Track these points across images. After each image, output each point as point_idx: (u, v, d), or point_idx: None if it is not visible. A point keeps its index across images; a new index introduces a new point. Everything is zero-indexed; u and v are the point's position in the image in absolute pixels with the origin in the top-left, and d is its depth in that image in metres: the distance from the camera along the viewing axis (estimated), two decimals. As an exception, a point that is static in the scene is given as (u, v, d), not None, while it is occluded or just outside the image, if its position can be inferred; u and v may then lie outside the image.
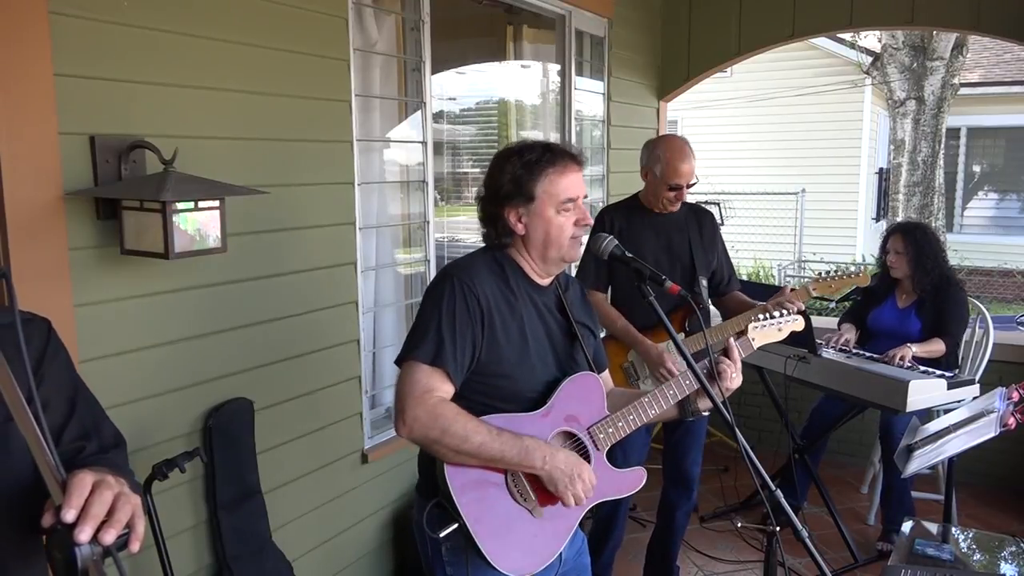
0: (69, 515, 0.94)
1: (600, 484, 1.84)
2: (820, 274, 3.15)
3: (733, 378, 1.89)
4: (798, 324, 2.16)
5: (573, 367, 1.89)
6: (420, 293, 3.39)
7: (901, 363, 3.55)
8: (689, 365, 1.82)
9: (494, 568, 1.72)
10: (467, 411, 1.72)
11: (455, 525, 1.71)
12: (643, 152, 3.08)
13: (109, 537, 0.96)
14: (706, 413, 1.95)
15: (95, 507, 0.96)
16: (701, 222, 3.15)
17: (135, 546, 1.00)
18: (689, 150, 2.97)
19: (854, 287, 3.35)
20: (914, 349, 3.63)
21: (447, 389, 1.72)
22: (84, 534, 0.94)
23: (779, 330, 2.12)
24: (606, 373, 2.07)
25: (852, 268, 3.38)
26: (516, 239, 1.83)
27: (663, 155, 2.96)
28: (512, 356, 1.78)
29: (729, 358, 1.90)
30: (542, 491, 1.77)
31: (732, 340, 1.94)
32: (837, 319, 4.51)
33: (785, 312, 2.16)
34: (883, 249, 3.97)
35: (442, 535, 1.71)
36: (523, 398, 1.80)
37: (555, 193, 1.79)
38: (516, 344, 1.79)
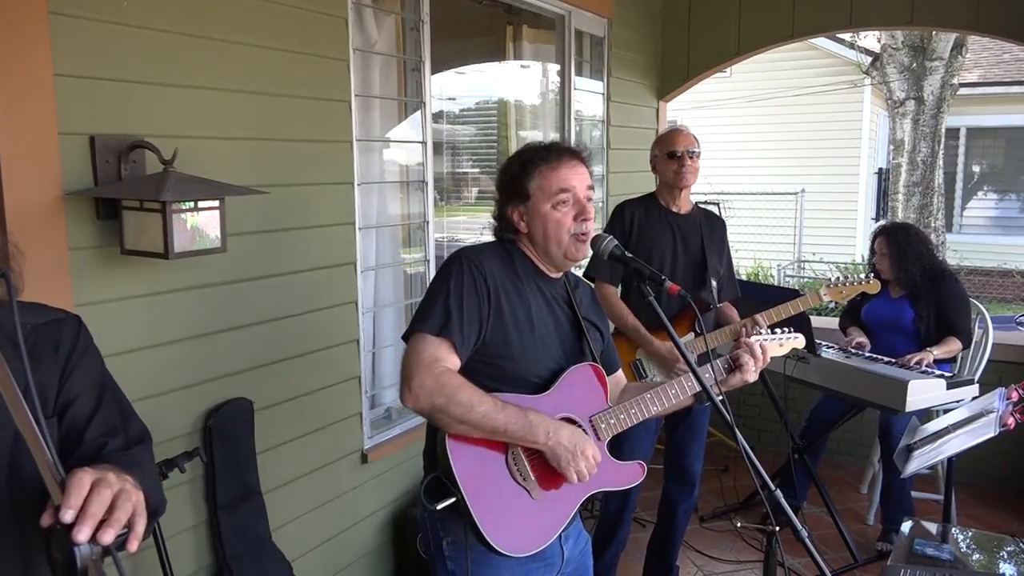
0: (67, 515, 0.94)
1: (601, 475, 1.84)
2: (832, 280, 3.23)
3: (753, 371, 1.92)
4: (799, 342, 2.19)
5: (579, 359, 1.90)
6: (420, 293, 3.39)
7: (918, 366, 3.56)
8: (689, 366, 1.82)
9: (493, 554, 1.72)
10: None
11: (453, 499, 1.70)
12: (649, 151, 3.22)
13: (108, 537, 0.95)
14: (721, 397, 1.94)
15: (93, 506, 0.96)
16: (712, 227, 3.22)
17: (133, 546, 1.00)
18: (684, 129, 3.18)
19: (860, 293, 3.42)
20: (935, 353, 3.65)
21: (453, 361, 1.73)
22: (83, 534, 0.94)
23: (780, 345, 2.16)
24: (619, 373, 2.08)
25: (862, 275, 3.45)
26: (522, 236, 1.87)
27: (660, 137, 3.23)
28: (517, 338, 1.79)
29: (752, 355, 1.91)
30: (543, 470, 1.77)
31: (754, 340, 1.96)
32: (834, 318, 4.53)
33: (787, 330, 2.19)
34: (871, 250, 4.05)
35: (439, 507, 1.71)
36: (527, 382, 1.81)
37: (547, 187, 1.81)
38: (522, 327, 1.80)
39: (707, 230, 3.16)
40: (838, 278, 3.27)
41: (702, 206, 3.29)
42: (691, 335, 2.99)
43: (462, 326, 1.72)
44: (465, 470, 1.71)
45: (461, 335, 1.72)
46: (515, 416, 1.70)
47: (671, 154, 3.07)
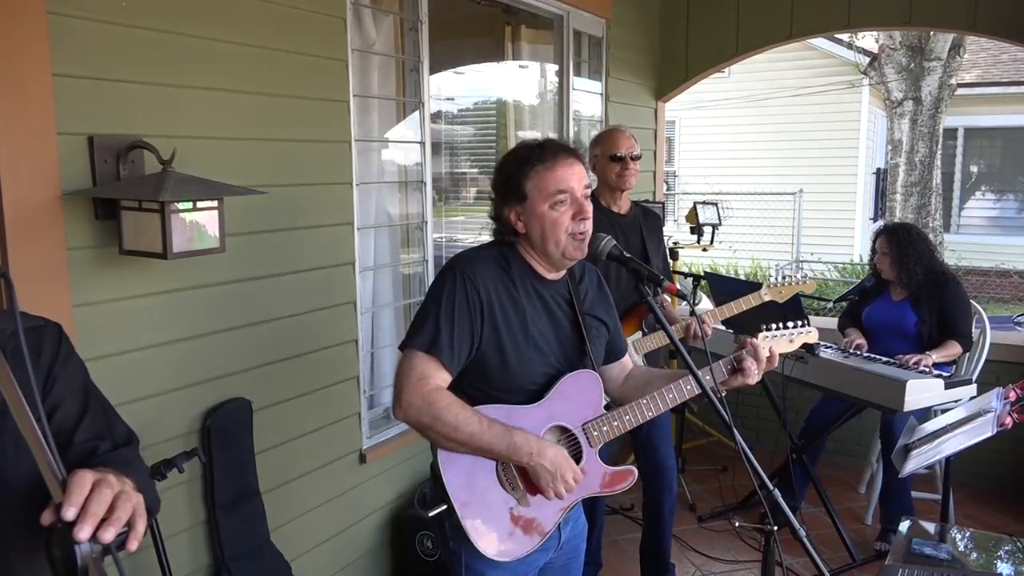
0: (69, 513, 0.94)
1: (591, 481, 1.88)
2: (770, 281, 3.30)
3: (755, 374, 1.87)
4: (811, 336, 2.11)
5: (582, 360, 1.90)
6: (418, 293, 3.40)
7: (916, 367, 3.56)
8: (690, 368, 1.82)
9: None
10: (466, 399, 1.77)
11: (444, 506, 1.77)
12: (588, 151, 3.25)
13: (108, 535, 0.96)
14: (723, 393, 1.91)
15: (94, 505, 0.97)
16: (649, 223, 3.26)
17: (133, 545, 1.01)
18: (624, 130, 3.20)
19: (822, 292, 3.43)
20: (934, 356, 3.64)
21: (443, 377, 1.76)
22: (84, 532, 0.94)
23: (791, 341, 2.07)
24: (626, 359, 2.10)
25: (799, 275, 3.45)
26: (520, 237, 1.86)
27: (600, 137, 3.24)
28: (512, 348, 1.80)
29: (756, 357, 1.86)
30: (529, 480, 1.81)
31: (760, 344, 1.90)
32: (833, 318, 4.53)
33: (801, 323, 2.13)
34: (872, 250, 4.04)
35: (430, 514, 1.77)
36: (523, 389, 1.83)
37: (544, 188, 1.80)
38: (517, 336, 1.81)
39: (645, 228, 3.20)
40: (777, 279, 3.32)
41: (637, 202, 3.33)
42: (639, 334, 3.01)
43: (452, 342, 1.75)
44: (455, 481, 1.77)
45: (451, 351, 1.75)
46: (500, 436, 1.74)
47: (614, 157, 3.09)
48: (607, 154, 3.11)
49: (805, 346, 2.18)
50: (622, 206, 3.19)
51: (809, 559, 1.69)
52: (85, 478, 0.98)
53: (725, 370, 1.88)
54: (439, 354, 1.74)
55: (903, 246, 3.81)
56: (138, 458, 1.29)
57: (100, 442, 1.23)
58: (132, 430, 1.32)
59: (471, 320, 1.77)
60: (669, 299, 3.29)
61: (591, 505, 3.23)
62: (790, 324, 2.08)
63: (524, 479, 1.81)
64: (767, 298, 3.21)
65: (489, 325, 1.78)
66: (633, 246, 3.13)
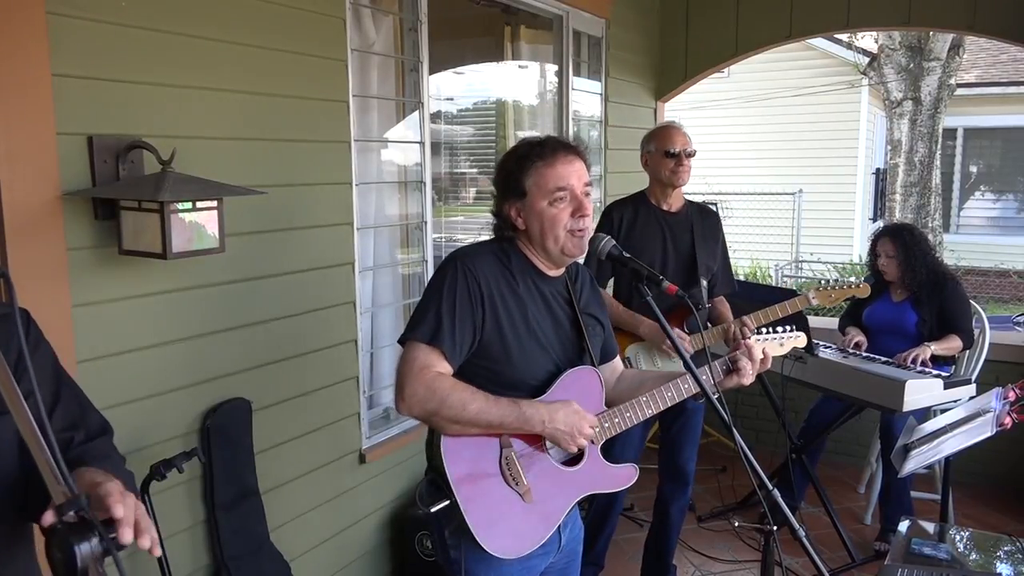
0: (127, 535, 0.99)
1: (593, 478, 1.88)
2: (820, 283, 3.25)
3: (750, 375, 1.91)
4: (800, 341, 2.17)
5: (580, 358, 1.91)
6: (418, 293, 3.39)
7: (914, 365, 3.55)
8: (689, 368, 1.82)
9: (483, 549, 1.76)
10: None
11: (446, 501, 1.75)
12: (640, 147, 3.19)
13: (146, 542, 1.01)
14: (717, 395, 1.94)
15: (129, 512, 1.02)
16: (705, 223, 3.19)
17: (157, 550, 1.05)
18: (678, 126, 3.15)
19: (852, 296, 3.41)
20: (933, 348, 3.64)
21: (445, 367, 1.76)
22: (128, 535, 0.99)
23: (781, 345, 2.14)
24: (617, 360, 2.10)
25: (852, 279, 3.43)
26: (520, 233, 1.86)
27: (655, 133, 3.17)
28: (514, 342, 1.80)
29: (750, 358, 1.90)
30: (536, 474, 1.81)
31: (754, 343, 1.95)
32: (833, 318, 4.53)
33: (788, 328, 2.18)
34: (872, 252, 4.01)
35: (433, 509, 1.75)
36: (524, 385, 1.83)
37: (543, 185, 1.80)
38: (519, 330, 1.81)
39: (699, 227, 3.13)
40: (827, 281, 3.29)
41: (695, 201, 3.27)
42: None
43: (453, 334, 1.75)
44: (459, 474, 1.75)
45: (452, 343, 1.75)
46: (508, 409, 1.75)
47: (668, 152, 3.03)
48: (661, 149, 3.05)
49: (798, 348, 2.22)
50: (673, 204, 3.13)
51: (808, 559, 1.69)
52: (112, 488, 1.03)
53: (721, 370, 1.91)
54: (441, 345, 1.74)
55: (908, 247, 3.80)
56: (114, 450, 1.29)
57: (74, 432, 1.22)
58: (106, 419, 1.31)
59: (472, 311, 1.76)
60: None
61: (608, 505, 3.22)
62: (779, 329, 2.17)
63: (528, 474, 1.79)
64: (815, 302, 3.19)
65: (491, 316, 1.78)
66: (681, 245, 3.08)
